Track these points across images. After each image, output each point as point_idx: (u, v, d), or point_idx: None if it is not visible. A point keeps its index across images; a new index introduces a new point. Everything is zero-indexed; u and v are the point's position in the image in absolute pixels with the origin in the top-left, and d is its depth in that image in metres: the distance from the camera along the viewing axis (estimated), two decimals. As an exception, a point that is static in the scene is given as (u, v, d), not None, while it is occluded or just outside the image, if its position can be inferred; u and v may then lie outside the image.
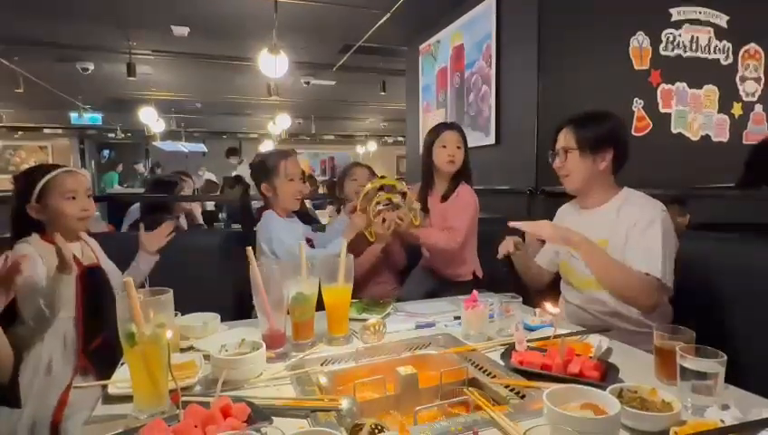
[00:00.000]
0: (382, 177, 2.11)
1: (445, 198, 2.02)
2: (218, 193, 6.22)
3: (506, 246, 1.58)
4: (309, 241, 1.90)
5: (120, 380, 1.00)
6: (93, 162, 11.86)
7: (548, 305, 1.23)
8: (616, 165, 1.51)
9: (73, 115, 9.53)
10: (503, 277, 1.81)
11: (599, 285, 1.46)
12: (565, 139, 1.53)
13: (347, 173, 2.28)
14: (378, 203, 1.86)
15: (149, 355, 0.87)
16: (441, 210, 2.01)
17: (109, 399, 0.96)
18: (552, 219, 1.68)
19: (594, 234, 1.42)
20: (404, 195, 1.89)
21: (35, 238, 1.43)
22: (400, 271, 2.20)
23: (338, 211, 2.57)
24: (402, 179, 2.06)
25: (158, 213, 3.07)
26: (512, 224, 1.46)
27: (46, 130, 11.12)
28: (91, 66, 5.89)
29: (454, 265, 2.03)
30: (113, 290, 1.50)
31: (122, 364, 1.05)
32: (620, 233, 1.43)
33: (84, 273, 1.45)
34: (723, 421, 0.76)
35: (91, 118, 9.72)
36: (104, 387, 1.00)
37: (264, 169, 1.87)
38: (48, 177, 1.44)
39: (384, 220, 1.84)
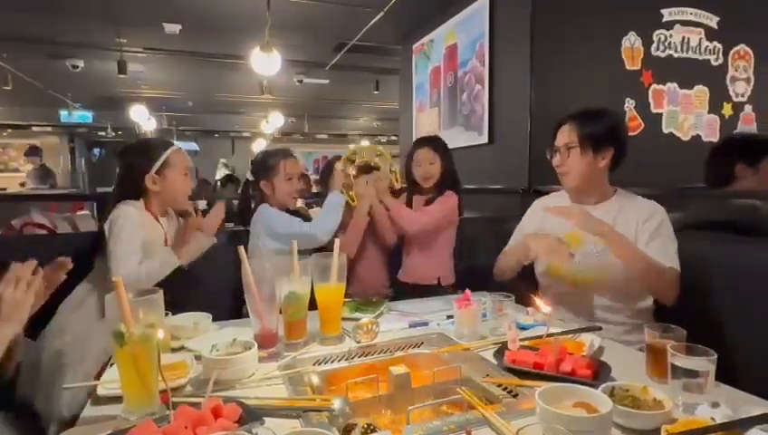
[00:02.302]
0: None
1: (429, 202, 2.07)
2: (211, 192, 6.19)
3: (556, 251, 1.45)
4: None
5: (110, 380, 0.98)
6: (84, 161, 11.71)
7: (541, 304, 1.23)
8: (614, 164, 1.49)
9: (63, 113, 9.41)
10: (486, 278, 1.79)
11: (594, 279, 1.46)
12: (568, 135, 1.49)
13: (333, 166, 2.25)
14: (355, 166, 2.01)
15: (139, 355, 0.86)
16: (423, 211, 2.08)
17: (98, 400, 0.94)
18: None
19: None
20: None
21: (140, 204, 1.48)
22: (389, 250, 2.19)
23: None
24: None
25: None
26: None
27: (35, 129, 10.95)
28: (82, 63, 5.82)
29: (417, 262, 2.08)
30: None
31: (112, 365, 1.04)
32: (624, 232, 1.40)
33: None
34: (713, 419, 0.77)
35: (80, 116, 9.60)
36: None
37: (265, 166, 1.95)
38: (170, 151, 1.52)
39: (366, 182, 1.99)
